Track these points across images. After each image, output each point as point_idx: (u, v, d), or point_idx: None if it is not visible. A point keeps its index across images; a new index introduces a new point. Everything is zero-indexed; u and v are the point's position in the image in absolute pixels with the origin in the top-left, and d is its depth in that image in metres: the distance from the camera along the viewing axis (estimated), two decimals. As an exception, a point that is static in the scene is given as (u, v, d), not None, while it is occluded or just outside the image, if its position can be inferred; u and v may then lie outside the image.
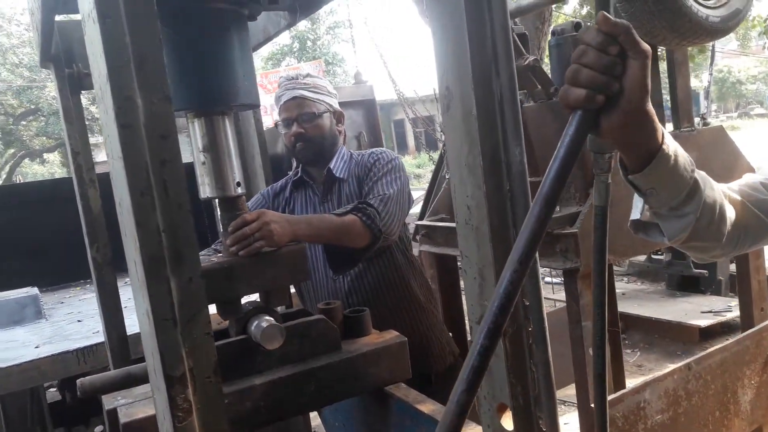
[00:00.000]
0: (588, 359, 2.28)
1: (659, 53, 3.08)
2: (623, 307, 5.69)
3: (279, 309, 2.13)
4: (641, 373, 4.70)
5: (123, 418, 1.43)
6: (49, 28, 1.74)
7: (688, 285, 6.11)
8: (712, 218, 1.00)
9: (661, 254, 6.22)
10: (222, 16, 1.54)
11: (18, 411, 3.46)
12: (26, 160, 26.14)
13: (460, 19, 1.08)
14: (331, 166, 2.11)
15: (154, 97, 0.81)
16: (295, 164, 2.26)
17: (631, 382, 2.99)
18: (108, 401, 1.55)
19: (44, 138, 21.68)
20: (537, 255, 1.13)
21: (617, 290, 6.55)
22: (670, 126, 2.91)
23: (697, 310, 5.48)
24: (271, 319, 1.55)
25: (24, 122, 22.25)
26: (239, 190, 1.58)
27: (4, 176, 24.21)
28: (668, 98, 2.93)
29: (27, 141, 22.67)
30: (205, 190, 1.57)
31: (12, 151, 23.96)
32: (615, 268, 7.25)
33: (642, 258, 6.60)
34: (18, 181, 23.21)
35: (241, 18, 1.61)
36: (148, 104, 0.81)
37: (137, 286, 0.87)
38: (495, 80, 1.10)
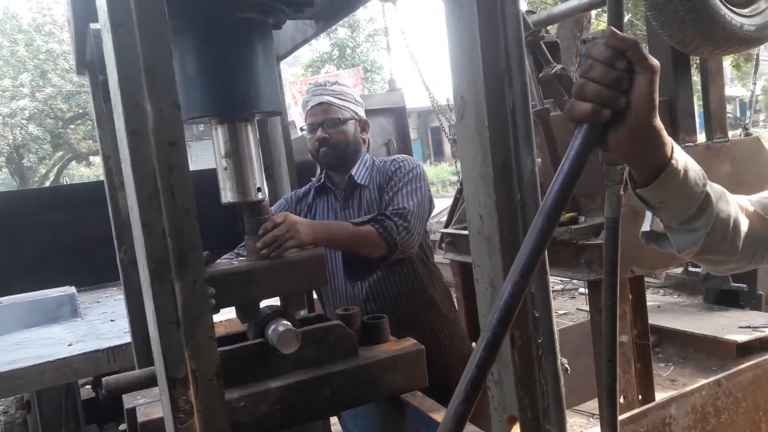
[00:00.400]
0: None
1: (692, 61, 3.01)
2: (658, 320, 5.56)
3: (299, 313, 2.16)
4: (674, 387, 4.58)
5: (141, 417, 1.46)
6: (84, 35, 1.80)
7: (726, 299, 5.94)
8: (725, 232, 0.98)
9: (698, 267, 6.06)
10: (247, 25, 1.57)
11: (53, 407, 3.56)
12: (73, 163, 26.95)
13: (473, 29, 1.09)
14: (353, 173, 2.12)
15: (163, 104, 0.84)
16: (318, 170, 2.28)
17: (662, 397, 2.92)
18: (128, 400, 1.58)
19: (91, 141, 22.30)
20: (547, 267, 1.13)
21: (653, 303, 6.43)
22: (702, 137, 2.84)
23: (734, 325, 5.32)
24: (288, 323, 1.57)
25: (72, 126, 22.97)
26: (260, 196, 1.60)
27: (52, 178, 25.00)
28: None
29: (75, 144, 23.37)
30: (227, 195, 1.60)
31: (60, 153, 24.72)
32: (651, 280, 7.11)
33: (679, 270, 6.44)
34: (65, 183, 23.97)
35: (265, 27, 1.64)
36: (157, 112, 0.83)
37: (144, 289, 0.89)
38: (508, 90, 1.10)
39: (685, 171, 0.92)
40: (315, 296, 2.34)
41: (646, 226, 1.04)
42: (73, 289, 3.90)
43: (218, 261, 1.74)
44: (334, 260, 2.11)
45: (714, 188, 0.97)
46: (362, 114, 2.18)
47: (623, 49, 0.83)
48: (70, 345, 2.96)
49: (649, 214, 1.02)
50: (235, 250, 2.08)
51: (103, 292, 4.59)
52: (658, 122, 0.87)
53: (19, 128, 21.53)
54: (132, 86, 0.82)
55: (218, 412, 0.90)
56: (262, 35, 1.61)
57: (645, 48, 0.85)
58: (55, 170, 25.41)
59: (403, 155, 2.18)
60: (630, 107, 0.84)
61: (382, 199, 2.06)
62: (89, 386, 3.87)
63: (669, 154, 0.91)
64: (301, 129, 2.21)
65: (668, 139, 0.91)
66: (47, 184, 23.96)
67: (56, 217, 4.82)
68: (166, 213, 0.83)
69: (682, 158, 0.92)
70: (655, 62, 0.84)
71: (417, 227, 1.96)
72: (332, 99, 2.08)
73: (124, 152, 0.84)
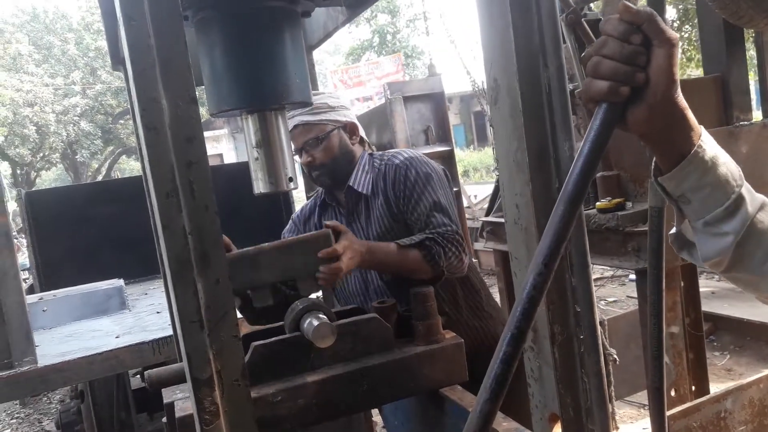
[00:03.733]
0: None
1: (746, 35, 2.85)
2: (713, 306, 5.36)
3: (336, 306, 2.14)
4: (730, 377, 4.41)
5: (178, 413, 1.46)
6: (115, 31, 1.80)
7: (786, 284, 5.69)
8: (762, 247, 0.85)
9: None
10: (274, 14, 1.54)
11: (105, 397, 3.66)
12: (123, 157, 27.75)
13: (504, 8, 1.03)
14: (351, 183, 1.99)
15: (179, 99, 0.81)
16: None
17: (718, 387, 2.80)
18: (167, 394, 1.59)
19: (139, 135, 22.89)
20: (589, 259, 1.07)
21: (706, 289, 6.20)
22: (759, 115, 2.69)
23: (796, 311, 5.09)
24: (324, 317, 1.55)
25: (122, 121, 23.64)
26: (291, 185, 1.58)
27: (104, 172, 25.81)
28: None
29: (124, 139, 24.05)
30: (259, 186, 1.59)
31: (111, 148, 25.47)
32: (705, 265, 6.84)
33: (735, 254, 6.19)
34: (116, 177, 24.72)
35: (293, 15, 1.61)
36: (173, 107, 0.81)
37: (167, 288, 0.87)
38: (543, 72, 1.04)
39: (714, 163, 0.83)
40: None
41: (674, 228, 0.94)
42: (121, 282, 3.99)
43: None
44: None
45: (754, 195, 0.86)
46: (345, 116, 2.02)
47: (638, 22, 0.78)
48: (117, 337, 3.02)
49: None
50: None
51: (151, 284, 4.69)
52: (682, 100, 0.81)
53: (72, 125, 22.26)
54: (146, 80, 0.80)
55: (245, 413, 0.87)
56: (290, 24, 1.58)
57: (664, 21, 0.78)
58: (106, 165, 26.22)
59: (405, 152, 2.02)
60: (648, 83, 0.78)
61: (391, 210, 1.95)
62: (139, 376, 3.97)
63: (694, 139, 0.83)
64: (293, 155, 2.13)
65: (695, 124, 0.83)
66: (99, 178, 24.76)
67: (105, 212, 4.94)
68: (186, 210, 0.81)
69: (711, 148, 0.84)
70: (674, 34, 0.78)
71: (458, 248, 1.88)
72: (305, 118, 1.95)
73: (141, 148, 0.82)
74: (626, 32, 0.78)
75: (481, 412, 0.70)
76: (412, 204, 1.92)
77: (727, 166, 0.85)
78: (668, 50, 0.77)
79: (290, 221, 2.25)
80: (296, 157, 2.01)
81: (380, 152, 2.08)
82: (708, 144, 0.84)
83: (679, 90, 0.80)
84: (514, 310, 0.72)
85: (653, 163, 0.89)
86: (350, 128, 2.03)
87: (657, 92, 0.79)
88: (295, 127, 1.95)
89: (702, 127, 0.85)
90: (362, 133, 2.10)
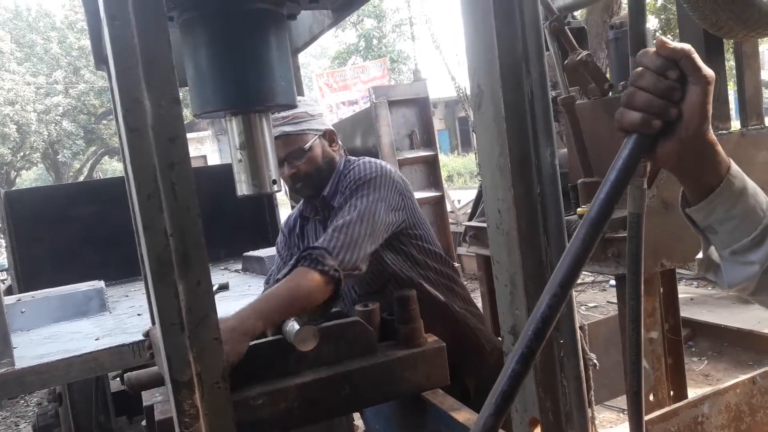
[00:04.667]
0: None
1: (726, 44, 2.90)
2: (691, 312, 5.43)
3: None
4: (708, 383, 4.47)
5: (158, 416, 1.45)
6: (98, 31, 1.79)
7: (763, 291, 5.76)
8: None
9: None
10: (260, 16, 1.54)
11: (84, 400, 3.62)
12: (106, 158, 27.48)
13: (488, 16, 1.04)
14: (324, 193, 1.96)
15: (162, 99, 0.81)
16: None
17: (696, 392, 2.84)
18: (147, 397, 1.58)
19: (121, 136, 22.69)
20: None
21: (685, 295, 6.28)
22: (737, 124, 2.73)
23: (772, 318, 5.16)
24: (306, 320, 1.54)
25: (105, 121, 23.42)
26: (275, 188, 1.58)
27: (85, 172, 25.54)
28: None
29: (107, 139, 23.82)
30: (242, 188, 1.58)
31: (93, 148, 25.22)
32: (684, 271, 6.94)
33: (714, 261, 6.27)
34: (98, 177, 24.47)
35: (279, 18, 1.61)
36: (156, 107, 0.80)
37: (148, 290, 0.87)
38: (526, 79, 1.05)
39: (742, 195, 0.85)
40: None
41: (700, 253, 0.96)
42: (101, 284, 3.94)
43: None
44: None
45: None
46: (323, 124, 1.97)
47: (675, 58, 0.80)
48: (97, 339, 2.98)
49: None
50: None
51: (132, 286, 4.64)
52: (712, 136, 0.83)
53: (53, 124, 22.02)
54: (129, 81, 0.80)
55: (225, 416, 0.87)
56: (276, 27, 1.58)
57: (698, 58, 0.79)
58: (88, 165, 25.95)
59: (363, 159, 1.97)
60: (681, 118, 0.80)
61: None
62: (119, 379, 3.92)
63: (722, 172, 0.85)
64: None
65: (724, 157, 0.85)
66: (81, 178, 24.50)
67: (86, 212, 4.89)
68: (168, 211, 0.81)
69: (740, 181, 0.85)
70: (710, 72, 0.80)
71: (361, 236, 1.74)
72: (286, 128, 1.89)
73: (124, 149, 0.82)
74: (663, 67, 0.80)
75: (484, 426, 0.70)
76: (338, 204, 1.85)
77: (755, 197, 0.86)
78: (703, 88, 0.79)
79: (280, 232, 2.21)
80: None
81: (354, 158, 2.03)
82: (736, 176, 0.86)
83: (710, 125, 0.82)
84: (526, 328, 0.72)
85: (681, 193, 0.91)
86: (329, 135, 2.00)
87: (689, 128, 0.80)
88: (277, 137, 1.84)
89: (730, 159, 0.86)
90: (338, 144, 2.06)
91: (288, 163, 1.92)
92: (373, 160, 1.98)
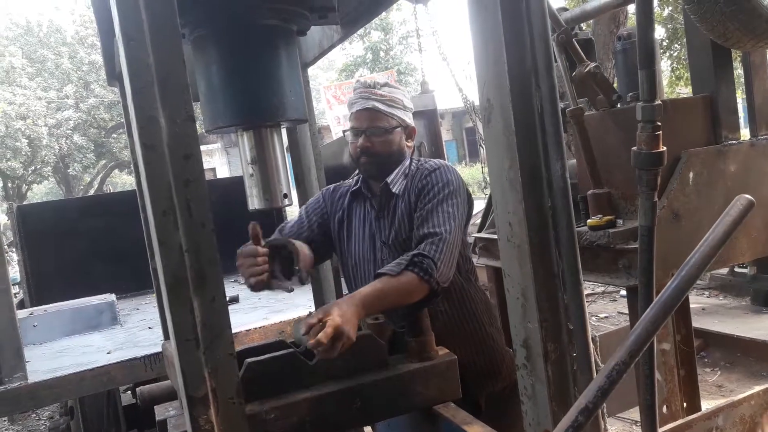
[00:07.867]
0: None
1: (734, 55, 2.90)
2: (703, 323, 5.37)
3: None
4: (721, 393, 4.42)
5: (172, 430, 1.46)
6: (111, 48, 1.82)
7: (775, 300, 5.72)
8: None
9: (745, 267, 5.85)
10: (270, 32, 1.56)
11: (95, 413, 3.62)
12: (116, 171, 27.65)
13: (497, 30, 1.05)
14: (389, 180, 2.01)
15: (177, 117, 0.82)
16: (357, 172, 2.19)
17: (709, 404, 2.81)
18: (160, 411, 1.59)
19: (131, 150, 22.83)
20: (581, 276, 1.08)
21: (697, 305, 6.22)
22: (746, 134, 2.72)
23: (785, 328, 5.11)
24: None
25: (115, 135, 23.58)
26: (286, 202, 1.59)
27: (96, 186, 25.70)
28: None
29: (117, 153, 23.98)
30: (253, 202, 1.60)
31: (103, 162, 25.39)
32: (695, 281, 6.86)
33: (724, 271, 6.22)
34: (109, 191, 24.62)
35: (289, 33, 1.63)
36: (171, 124, 0.81)
37: (163, 305, 0.87)
38: (535, 92, 1.06)
39: None
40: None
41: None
42: (113, 297, 3.96)
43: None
44: (364, 271, 2.04)
45: None
46: (410, 120, 2.06)
47: None
48: (108, 353, 3.00)
49: None
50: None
51: (143, 299, 4.66)
52: None
53: (64, 138, 22.19)
54: (145, 99, 0.81)
55: (240, 431, 0.87)
56: (286, 42, 1.60)
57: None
58: (98, 178, 26.12)
59: (439, 161, 2.05)
60: None
61: (411, 210, 1.94)
62: (130, 392, 3.93)
63: None
64: (344, 131, 2.13)
65: None
66: (92, 192, 24.66)
67: (97, 226, 4.93)
68: (183, 228, 0.81)
69: None
70: None
71: (453, 256, 1.83)
72: (379, 105, 1.95)
73: (139, 166, 0.83)
74: None
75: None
76: (425, 205, 1.91)
77: None
78: None
79: (318, 194, 2.17)
80: (348, 135, 2.01)
81: (421, 158, 2.10)
82: None
83: None
84: (592, 384, 0.74)
85: None
86: (410, 132, 2.07)
87: None
88: (366, 109, 1.94)
89: None
90: (413, 142, 2.14)
91: (366, 135, 1.97)
92: (449, 164, 2.05)
